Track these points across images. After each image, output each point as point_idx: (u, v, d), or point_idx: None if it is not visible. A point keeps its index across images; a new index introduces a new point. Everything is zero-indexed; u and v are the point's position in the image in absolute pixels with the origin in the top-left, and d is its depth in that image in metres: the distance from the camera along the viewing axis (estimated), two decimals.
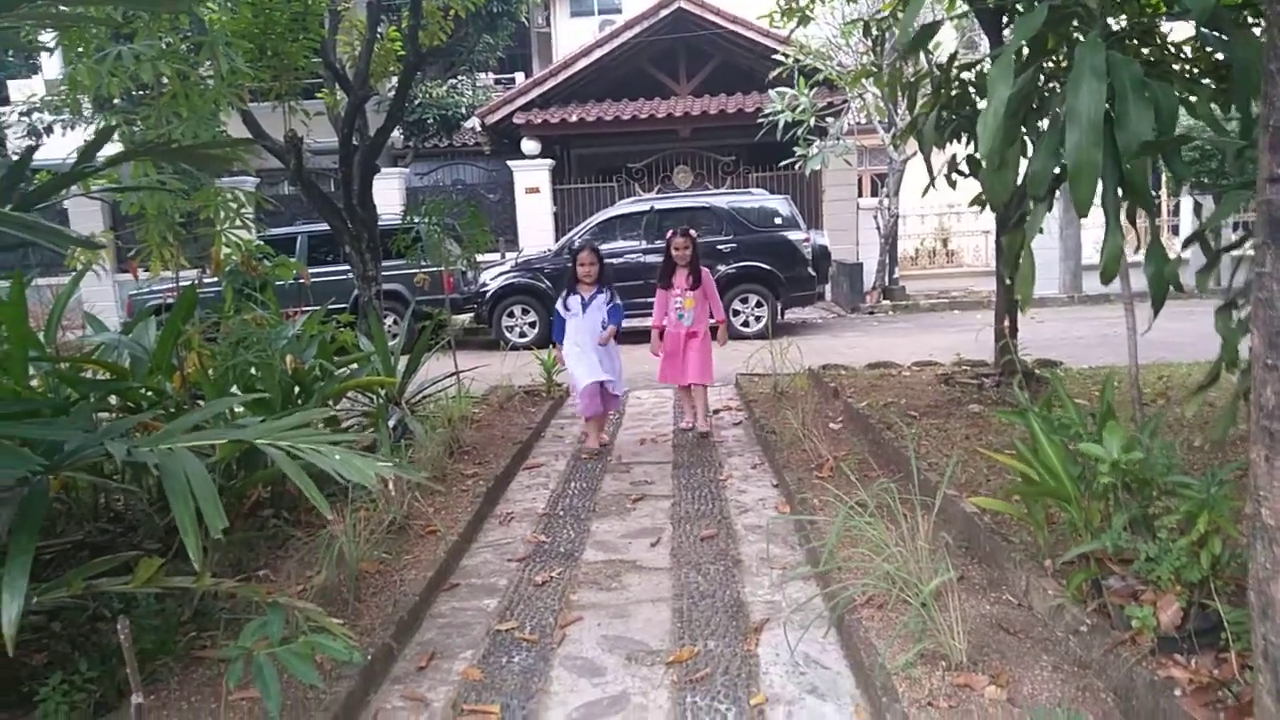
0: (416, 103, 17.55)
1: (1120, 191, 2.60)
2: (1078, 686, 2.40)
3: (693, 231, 6.16)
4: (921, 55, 6.66)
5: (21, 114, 15.80)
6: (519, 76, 20.06)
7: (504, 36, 16.29)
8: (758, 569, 3.71)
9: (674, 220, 12.09)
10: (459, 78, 18.14)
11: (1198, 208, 14.38)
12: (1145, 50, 3.30)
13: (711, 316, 6.11)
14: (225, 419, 3.59)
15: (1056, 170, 2.96)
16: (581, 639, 3.16)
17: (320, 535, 3.54)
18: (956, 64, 5.38)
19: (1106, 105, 2.43)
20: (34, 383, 3.58)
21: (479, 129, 17.67)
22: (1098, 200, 2.69)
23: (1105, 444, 2.29)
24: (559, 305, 5.90)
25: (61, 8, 2.78)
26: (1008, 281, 5.16)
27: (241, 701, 2.54)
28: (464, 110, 18.24)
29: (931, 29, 3.65)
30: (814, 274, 12.05)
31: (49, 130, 15.54)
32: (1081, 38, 2.65)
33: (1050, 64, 3.26)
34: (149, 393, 3.71)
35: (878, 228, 14.81)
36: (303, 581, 3.35)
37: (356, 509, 3.81)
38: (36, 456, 2.02)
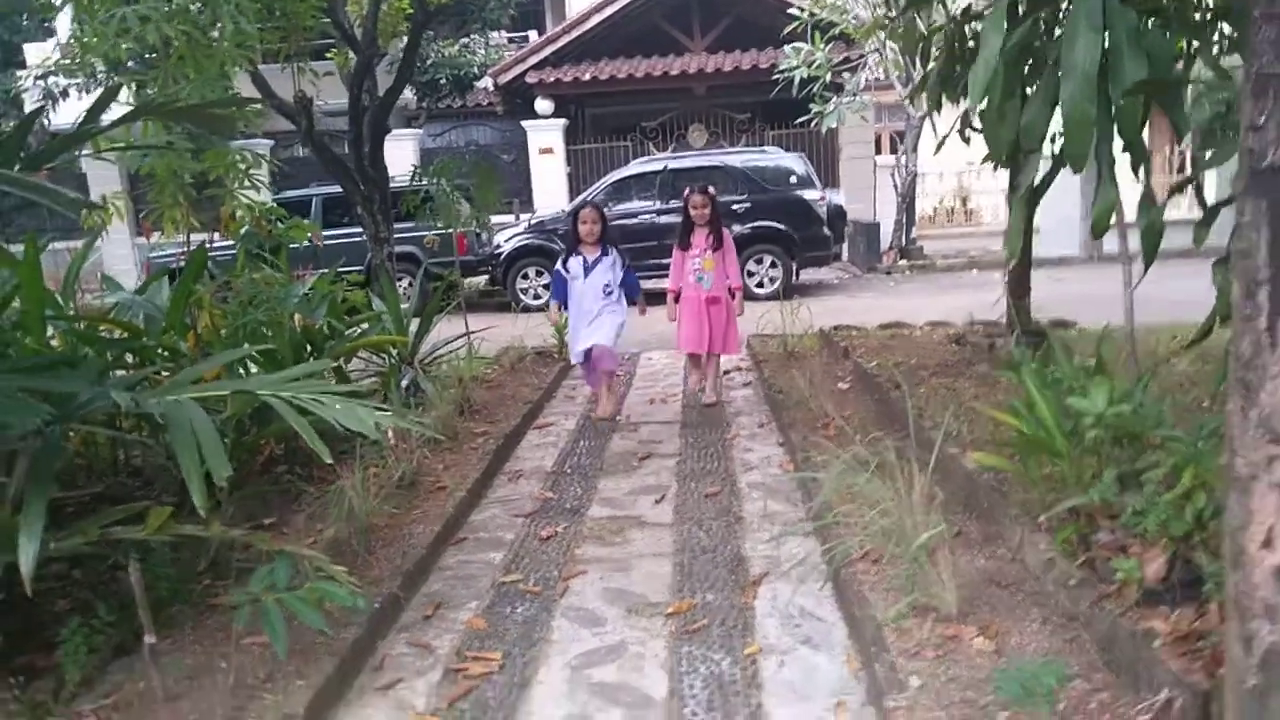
0: (429, 63, 17.43)
1: (1121, 144, 2.59)
2: (1065, 639, 2.45)
3: (711, 189, 5.90)
4: (937, 7, 6.56)
5: (37, 78, 15.84)
6: (532, 35, 19.86)
7: None
8: (759, 525, 3.77)
9: (688, 180, 11.97)
10: (472, 36, 17.98)
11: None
12: None
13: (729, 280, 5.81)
14: (238, 375, 3.68)
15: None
16: (584, 591, 3.24)
17: (332, 490, 3.64)
18: (970, 16, 5.30)
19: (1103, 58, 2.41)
20: (53, 341, 3.67)
21: (492, 89, 17.55)
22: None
23: (1092, 398, 2.31)
24: (559, 266, 5.68)
25: None
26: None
27: (252, 646, 2.64)
28: (477, 70, 18.10)
29: None
30: (829, 234, 11.98)
31: (65, 94, 15.58)
32: None
33: (1050, 14, 3.21)
34: (163, 350, 3.79)
35: (895, 186, 14.64)
36: (314, 534, 3.44)
37: (367, 465, 3.90)
38: (48, 408, 2.10)
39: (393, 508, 3.80)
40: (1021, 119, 2.73)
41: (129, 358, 3.95)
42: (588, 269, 5.50)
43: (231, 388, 2.51)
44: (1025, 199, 2.94)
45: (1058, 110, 2.72)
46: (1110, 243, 13.87)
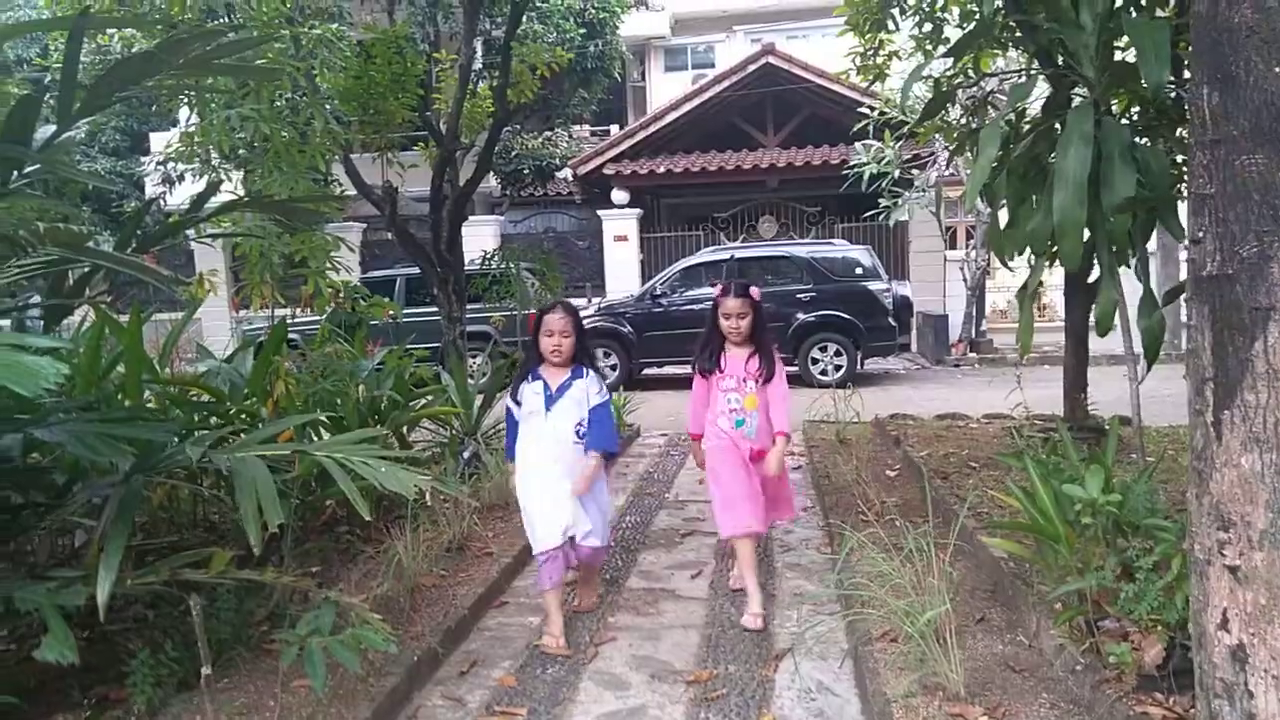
0: (513, 154, 18.35)
1: (1115, 248, 2.73)
2: None
3: (755, 290, 3.79)
4: (991, 111, 6.79)
5: (158, 164, 17.28)
6: (614, 129, 20.76)
7: (598, 91, 16.95)
8: (789, 603, 3.86)
9: (755, 269, 12.34)
10: (555, 130, 18.90)
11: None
12: (1136, 113, 3.41)
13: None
14: (308, 439, 4.00)
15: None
16: (612, 657, 3.37)
17: (386, 550, 3.89)
18: (1026, 121, 5.51)
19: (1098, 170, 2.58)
20: (150, 403, 4.07)
21: (571, 179, 18.34)
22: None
23: (1087, 486, 2.40)
24: (508, 399, 3.69)
25: (181, 78, 3.26)
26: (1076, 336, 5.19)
27: (299, 688, 2.86)
28: (558, 161, 18.97)
29: (943, 98, 3.84)
30: (895, 324, 12.06)
31: (181, 179, 16.92)
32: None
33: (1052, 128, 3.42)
34: (243, 415, 4.15)
35: (964, 279, 14.68)
36: (366, 590, 3.67)
37: (419, 529, 4.15)
38: (133, 452, 2.40)
39: (441, 570, 4.03)
40: (1030, 225, 2.90)
41: (213, 420, 4.33)
42: (550, 399, 3.53)
43: (292, 448, 2.79)
44: (1031, 297, 3.08)
45: None
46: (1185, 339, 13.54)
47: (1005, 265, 3.27)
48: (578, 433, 3.52)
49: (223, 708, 2.74)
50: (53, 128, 2.59)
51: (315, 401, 4.25)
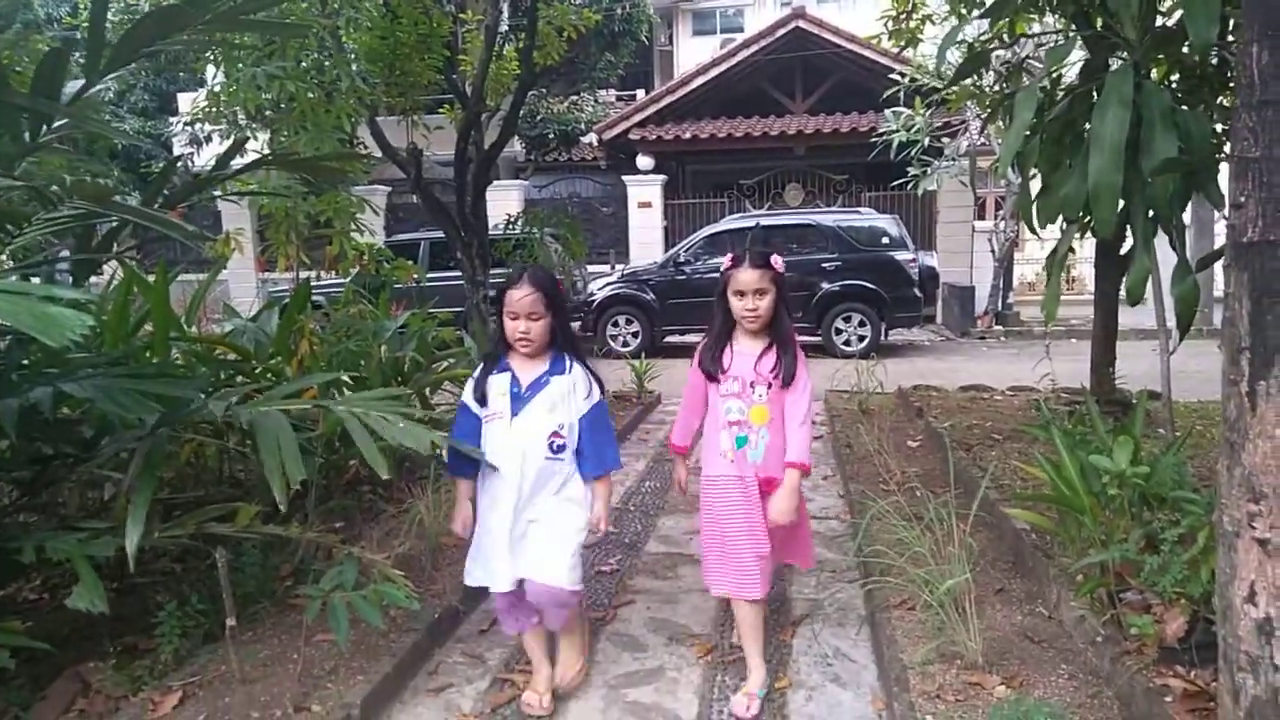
0: (538, 118, 18.25)
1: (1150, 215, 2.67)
2: (1088, 693, 2.48)
3: (778, 260, 2.82)
4: (1026, 77, 6.64)
5: (186, 124, 17.34)
6: (640, 93, 20.56)
7: (625, 55, 16.79)
8: (807, 571, 3.86)
9: (780, 237, 12.22)
10: (580, 94, 18.76)
11: None
12: (1175, 80, 3.32)
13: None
14: (332, 398, 4.03)
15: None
16: (630, 619, 3.40)
17: (407, 510, 3.93)
18: (1062, 87, 5.38)
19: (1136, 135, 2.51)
20: (177, 361, 4.12)
21: (596, 144, 18.22)
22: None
23: (1115, 458, 2.37)
24: (467, 393, 2.79)
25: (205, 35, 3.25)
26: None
27: (322, 642, 2.91)
28: (584, 125, 18.85)
29: (977, 60, 3.76)
30: (920, 295, 11.94)
31: (208, 139, 16.99)
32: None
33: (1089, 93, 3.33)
34: (268, 373, 4.19)
35: (993, 251, 14.48)
36: (388, 548, 3.72)
37: (439, 489, 4.18)
38: (159, 408, 2.43)
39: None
40: (1063, 190, 2.84)
41: (238, 378, 4.37)
42: (518, 398, 2.67)
43: (311, 404, 2.82)
44: (1061, 264, 3.03)
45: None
46: (1220, 314, 13.34)
47: (1034, 233, 3.22)
48: (552, 446, 2.59)
49: (247, 659, 2.79)
50: (80, 83, 2.60)
51: (339, 362, 4.28)
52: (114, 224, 2.56)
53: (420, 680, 2.94)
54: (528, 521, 2.66)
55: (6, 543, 2.39)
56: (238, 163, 3.28)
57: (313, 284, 4.59)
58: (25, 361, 2.85)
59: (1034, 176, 4.20)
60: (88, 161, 3.95)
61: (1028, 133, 2.73)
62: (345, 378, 4.32)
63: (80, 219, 2.20)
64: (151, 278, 3.81)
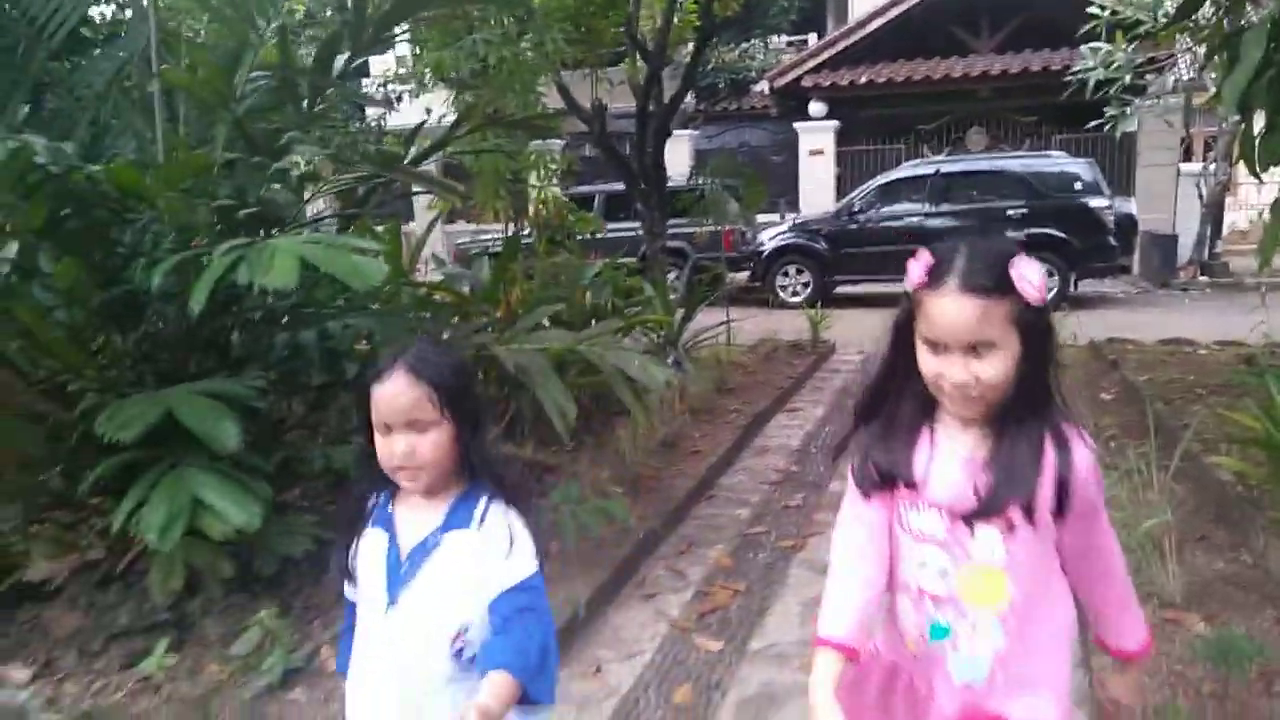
0: (709, 67, 18.19)
1: None
2: None
3: (1026, 272, 1.22)
4: (1249, 9, 6.16)
5: (379, 85, 18.50)
6: (812, 38, 20.08)
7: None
8: None
9: (960, 185, 11.78)
10: (751, 41, 18.55)
11: None
12: None
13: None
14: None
15: None
16: (819, 548, 3.60)
17: (608, 441, 4.28)
18: None
19: None
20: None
21: (768, 92, 18.00)
22: None
23: None
24: (336, 561, 1.52)
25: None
26: None
27: (546, 549, 3.28)
28: (754, 74, 18.64)
29: None
30: (1115, 244, 11.26)
31: (399, 99, 18.05)
32: None
33: None
34: (482, 315, 4.62)
35: (1200, 196, 13.37)
36: (593, 475, 4.08)
37: (635, 426, 4.51)
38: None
39: (656, 463, 4.38)
40: None
41: (454, 320, 4.85)
42: (397, 572, 1.42)
43: (559, 341, 3.16)
44: None
45: None
46: None
47: (1256, 176, 3.07)
48: (457, 653, 1.41)
49: None
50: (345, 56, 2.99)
51: (545, 306, 4.65)
52: (381, 182, 2.96)
53: (630, 589, 3.27)
54: None
55: (299, 452, 2.86)
56: (432, 126, 3.65)
57: (480, 236, 4.99)
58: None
59: (1258, 115, 3.94)
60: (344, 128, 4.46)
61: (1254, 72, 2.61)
62: (545, 322, 4.71)
63: (365, 179, 2.58)
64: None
